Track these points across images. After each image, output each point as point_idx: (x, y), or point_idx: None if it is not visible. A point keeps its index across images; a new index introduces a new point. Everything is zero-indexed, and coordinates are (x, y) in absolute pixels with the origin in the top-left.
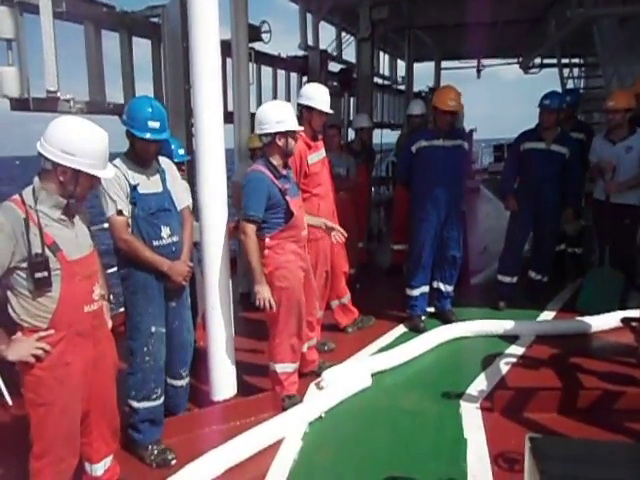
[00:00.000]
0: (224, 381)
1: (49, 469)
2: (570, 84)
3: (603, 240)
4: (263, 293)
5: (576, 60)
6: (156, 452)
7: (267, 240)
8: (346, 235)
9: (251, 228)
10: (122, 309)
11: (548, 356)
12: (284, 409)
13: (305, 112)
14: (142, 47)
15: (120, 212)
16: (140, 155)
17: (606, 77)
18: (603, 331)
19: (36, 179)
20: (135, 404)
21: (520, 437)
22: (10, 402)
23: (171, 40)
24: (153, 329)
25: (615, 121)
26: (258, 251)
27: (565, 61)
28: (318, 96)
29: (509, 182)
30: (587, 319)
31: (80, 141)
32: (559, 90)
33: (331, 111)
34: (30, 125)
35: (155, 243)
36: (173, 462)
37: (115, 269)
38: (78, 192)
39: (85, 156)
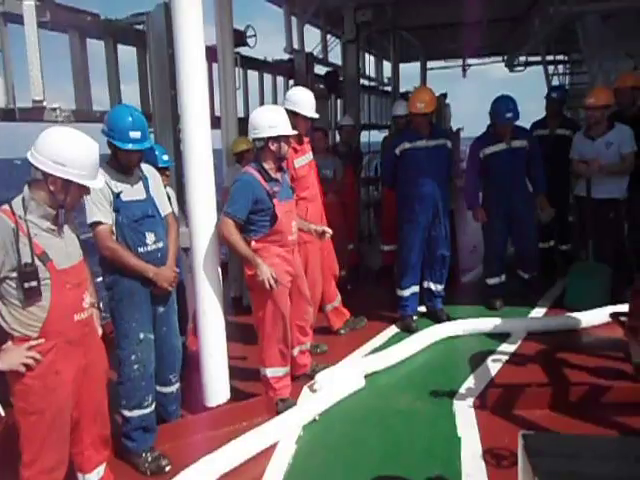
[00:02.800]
0: (217, 386)
1: (39, 477)
2: (555, 81)
3: (587, 235)
4: (264, 273)
5: (561, 57)
6: (150, 459)
7: (253, 243)
8: (331, 232)
9: (230, 223)
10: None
11: (539, 353)
12: (278, 413)
13: (291, 117)
14: (128, 52)
15: (101, 222)
16: (123, 164)
17: (591, 73)
18: (593, 326)
19: (26, 189)
20: (127, 413)
21: (513, 434)
22: (2, 413)
23: (156, 47)
24: (142, 336)
25: (594, 118)
26: (241, 240)
27: (550, 58)
28: (303, 101)
29: (474, 193)
30: (577, 315)
31: (71, 151)
32: (544, 87)
33: (316, 115)
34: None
35: (140, 250)
36: (167, 469)
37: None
38: (68, 202)
39: (76, 167)
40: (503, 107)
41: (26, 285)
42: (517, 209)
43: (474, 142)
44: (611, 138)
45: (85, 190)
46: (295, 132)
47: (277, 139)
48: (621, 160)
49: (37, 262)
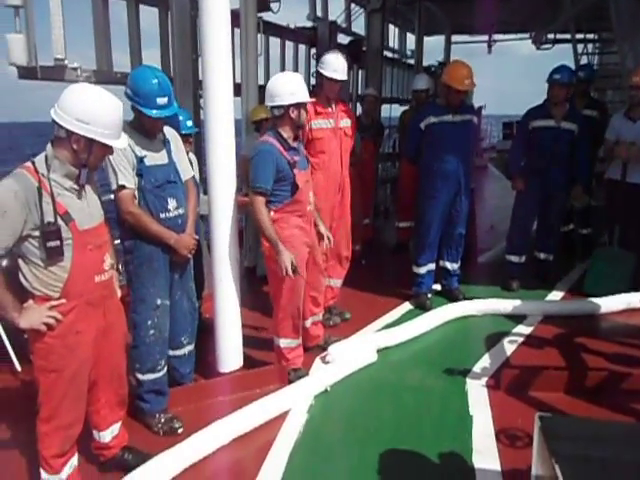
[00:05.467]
0: (230, 353)
1: (56, 433)
2: (584, 60)
3: (614, 220)
4: (284, 260)
5: (591, 36)
6: (163, 421)
7: (272, 213)
8: (331, 243)
9: (260, 201)
10: (125, 282)
11: (555, 336)
12: (290, 382)
13: (319, 78)
14: (150, 15)
15: (124, 186)
16: (148, 129)
17: (621, 53)
18: (612, 312)
19: (49, 147)
20: (140, 376)
21: (526, 415)
22: (19, 368)
23: (179, 8)
24: (158, 302)
25: (638, 98)
26: (270, 222)
27: (579, 36)
28: (329, 62)
29: (517, 162)
30: (596, 300)
31: (95, 110)
32: (572, 66)
33: (342, 77)
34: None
35: (162, 216)
36: (180, 430)
37: (118, 241)
38: (91, 161)
39: (99, 125)
40: (555, 70)
41: (48, 244)
42: (552, 188)
43: (527, 112)
44: None
45: (108, 150)
46: (312, 99)
47: (297, 106)
48: None
49: (60, 222)
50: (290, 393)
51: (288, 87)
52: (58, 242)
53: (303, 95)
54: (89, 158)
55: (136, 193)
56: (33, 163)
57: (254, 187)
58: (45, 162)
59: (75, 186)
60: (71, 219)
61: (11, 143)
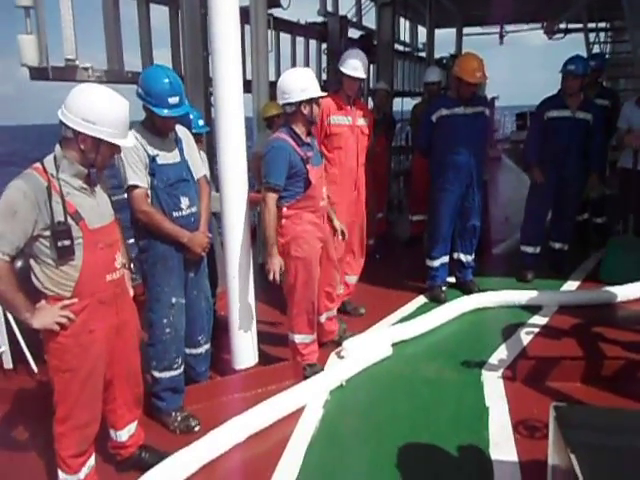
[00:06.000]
0: (245, 350)
1: (72, 433)
2: (596, 49)
3: (628, 209)
4: (273, 265)
5: (602, 24)
6: (179, 419)
7: (285, 210)
8: (345, 237)
9: (272, 197)
10: (140, 280)
11: (571, 326)
12: (305, 377)
13: (339, 75)
14: (160, 13)
15: (137, 185)
16: (159, 128)
17: (634, 42)
18: (628, 301)
19: (57, 147)
20: (157, 374)
21: (542, 406)
22: (35, 369)
23: (189, 6)
24: (173, 300)
25: None
26: (275, 223)
27: (591, 25)
28: (350, 62)
29: (534, 152)
30: (611, 289)
31: (101, 109)
32: (584, 55)
33: (361, 75)
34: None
35: (175, 214)
36: (197, 429)
37: (133, 240)
38: (99, 161)
39: (106, 124)
40: (568, 60)
41: (59, 244)
42: (568, 177)
43: (541, 102)
44: None
45: (116, 149)
46: (324, 94)
47: (309, 102)
48: None
49: (70, 221)
50: (305, 389)
51: (299, 83)
52: (69, 241)
53: (314, 90)
54: (97, 157)
55: (149, 192)
56: (42, 163)
57: (267, 183)
58: (54, 162)
59: (85, 185)
60: (81, 218)
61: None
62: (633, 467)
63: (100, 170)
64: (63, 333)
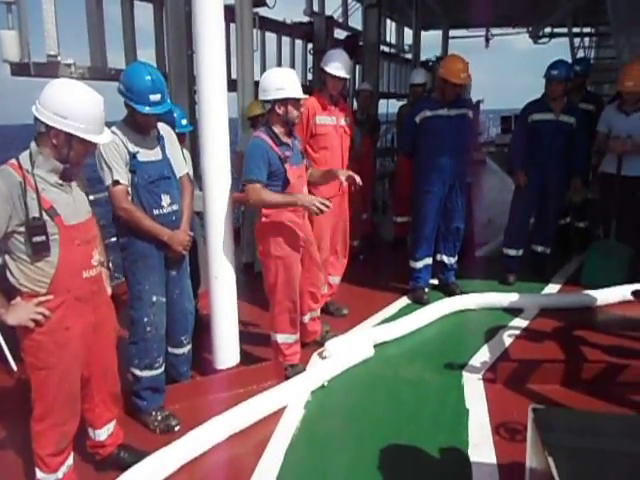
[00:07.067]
0: (227, 350)
1: (50, 431)
2: (580, 54)
3: (610, 213)
4: (309, 202)
5: (587, 29)
6: (160, 418)
7: (264, 209)
8: (359, 180)
9: (257, 187)
10: (123, 279)
11: (552, 329)
12: (287, 378)
13: (322, 75)
14: (145, 11)
15: (117, 182)
16: (141, 126)
17: (618, 47)
18: (609, 304)
19: (33, 143)
20: (138, 372)
21: (522, 408)
22: (15, 368)
23: (173, 4)
24: (154, 299)
25: (633, 99)
26: (276, 194)
27: (576, 30)
28: (333, 61)
29: (518, 156)
30: (592, 292)
31: (73, 104)
32: (569, 60)
33: (344, 75)
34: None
35: (155, 212)
36: (177, 428)
37: (115, 239)
38: (72, 156)
39: (78, 120)
40: (551, 65)
41: (34, 239)
42: (551, 181)
43: (526, 106)
44: None
45: (90, 145)
46: (305, 96)
47: (284, 102)
48: None
49: (45, 217)
50: (287, 389)
51: (276, 82)
52: (44, 237)
53: (291, 91)
54: (69, 153)
55: (129, 189)
56: (17, 159)
57: (248, 179)
58: (29, 158)
59: (60, 182)
60: (57, 214)
61: None
62: (610, 470)
63: (75, 166)
64: (38, 330)
